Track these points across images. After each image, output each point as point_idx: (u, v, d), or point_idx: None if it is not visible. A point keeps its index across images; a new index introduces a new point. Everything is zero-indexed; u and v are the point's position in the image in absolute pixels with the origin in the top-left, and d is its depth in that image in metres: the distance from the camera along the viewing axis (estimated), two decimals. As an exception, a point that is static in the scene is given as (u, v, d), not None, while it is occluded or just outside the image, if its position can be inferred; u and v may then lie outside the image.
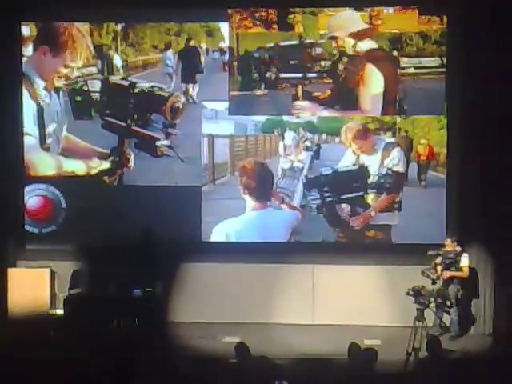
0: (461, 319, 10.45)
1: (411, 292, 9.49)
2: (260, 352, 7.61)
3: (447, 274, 10.23)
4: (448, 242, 10.37)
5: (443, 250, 10.27)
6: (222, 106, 11.32)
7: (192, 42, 11.44)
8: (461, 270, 10.33)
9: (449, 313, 10.47)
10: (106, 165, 11.39)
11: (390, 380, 6.94)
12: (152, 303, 10.26)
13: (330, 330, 10.62)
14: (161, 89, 11.22)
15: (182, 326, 10.67)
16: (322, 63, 11.02)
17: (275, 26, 11.14)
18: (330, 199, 11.05)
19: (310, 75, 11.02)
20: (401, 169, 11.05)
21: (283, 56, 11.08)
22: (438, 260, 10.22)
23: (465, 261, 10.36)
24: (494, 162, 10.41)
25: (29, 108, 11.23)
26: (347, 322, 10.72)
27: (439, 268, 10.17)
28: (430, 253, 10.18)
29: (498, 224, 10.28)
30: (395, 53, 10.98)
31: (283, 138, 11.42)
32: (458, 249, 10.33)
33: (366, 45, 10.86)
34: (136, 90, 11.19)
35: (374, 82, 10.83)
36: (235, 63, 11.22)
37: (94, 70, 11.40)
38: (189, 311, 10.97)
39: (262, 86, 11.16)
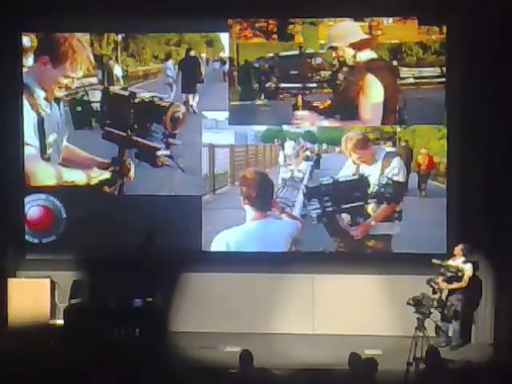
0: (462, 329, 10.44)
1: (412, 302, 9.49)
2: (260, 362, 7.62)
3: (447, 286, 10.25)
4: (458, 249, 10.39)
5: (446, 262, 10.26)
6: (222, 115, 11.34)
7: (192, 52, 11.47)
8: (461, 279, 10.33)
9: (450, 322, 10.46)
10: (106, 175, 11.40)
11: (391, 390, 6.94)
12: (152, 313, 10.25)
13: (331, 340, 10.61)
14: (161, 99, 11.25)
15: (182, 335, 10.66)
16: (322, 73, 11.04)
17: (275, 36, 11.17)
18: (330, 209, 11.05)
19: (310, 85, 11.05)
20: (401, 178, 11.06)
21: (283, 66, 11.11)
22: (442, 270, 10.22)
23: (468, 270, 10.36)
24: (494, 172, 10.42)
25: (29, 118, 11.26)
26: (347, 331, 10.71)
27: (440, 279, 10.18)
28: (434, 261, 10.18)
29: (498, 233, 10.27)
30: (395, 63, 11.00)
31: (283, 148, 11.43)
32: (461, 266, 10.31)
33: (366, 55, 10.89)
34: (136, 100, 11.21)
35: (373, 92, 10.86)
36: (235, 73, 11.25)
37: (94, 80, 11.43)
38: (189, 321, 10.96)
39: (262, 96, 11.19)
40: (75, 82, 11.30)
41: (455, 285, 10.33)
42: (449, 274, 10.22)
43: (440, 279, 10.18)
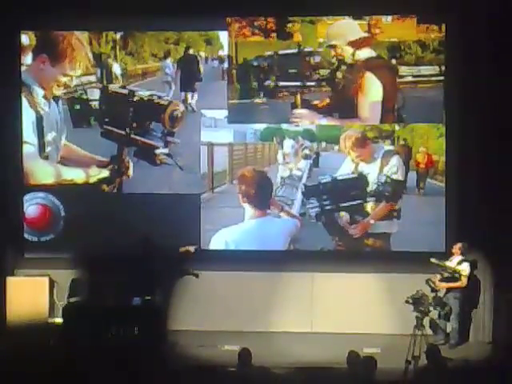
0: (460, 327, 10.45)
1: (410, 300, 9.49)
2: (259, 360, 7.62)
3: (443, 285, 10.27)
4: (456, 248, 10.40)
5: (444, 263, 10.26)
6: (221, 114, 11.34)
7: (191, 51, 11.46)
8: (459, 279, 10.33)
9: (449, 320, 10.47)
10: (105, 173, 11.40)
11: (390, 388, 6.94)
12: (151, 311, 10.24)
13: (329, 339, 10.60)
14: (160, 97, 11.24)
15: (181, 334, 10.65)
16: (321, 71, 11.04)
17: (274, 34, 11.17)
18: (328, 207, 11.05)
19: (309, 83, 11.05)
20: (400, 177, 11.06)
21: (282, 64, 11.10)
22: (439, 270, 10.23)
23: (465, 270, 10.36)
24: (492, 170, 10.42)
25: (28, 117, 11.24)
26: (346, 330, 10.71)
27: (437, 279, 10.19)
28: (433, 260, 10.18)
29: (496, 231, 10.28)
30: (394, 61, 11.00)
31: (282, 146, 11.43)
32: (458, 268, 10.31)
33: (365, 53, 10.88)
34: (135, 99, 11.21)
35: (372, 91, 10.85)
36: (234, 71, 11.25)
37: (93, 78, 11.42)
38: (188, 319, 10.95)
39: (261, 95, 11.19)
40: (74, 81, 11.29)
41: (454, 284, 10.34)
42: (446, 275, 10.23)
43: (437, 279, 10.20)
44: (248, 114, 11.30)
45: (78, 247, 11.20)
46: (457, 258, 10.43)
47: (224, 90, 11.27)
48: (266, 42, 11.19)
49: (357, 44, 10.87)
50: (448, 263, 10.33)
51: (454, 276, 10.28)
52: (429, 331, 10.00)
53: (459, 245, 10.43)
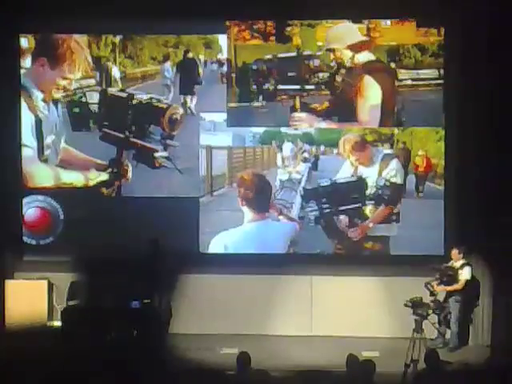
0: (460, 331, 10.44)
1: (409, 303, 9.49)
2: (258, 363, 7.62)
3: (441, 288, 10.26)
4: (454, 252, 10.39)
5: (444, 267, 10.26)
6: (220, 117, 11.35)
7: (190, 54, 11.47)
8: (457, 281, 10.33)
9: (448, 324, 10.46)
10: (104, 176, 11.40)
11: (389, 392, 6.93)
12: (150, 315, 10.24)
13: (328, 342, 10.60)
14: (159, 100, 11.26)
15: (179, 337, 10.65)
16: (320, 75, 11.05)
17: (273, 38, 11.18)
18: (328, 211, 11.06)
19: (308, 87, 11.05)
20: (399, 180, 11.07)
21: (281, 68, 11.11)
22: (438, 275, 10.22)
23: (465, 273, 10.36)
24: (491, 173, 10.43)
25: (27, 120, 11.25)
26: (345, 333, 10.71)
27: (435, 283, 10.19)
28: (433, 266, 10.19)
29: (495, 234, 10.27)
30: (393, 65, 11.01)
31: (281, 150, 11.43)
32: (458, 267, 10.31)
33: (364, 57, 10.90)
34: (134, 102, 11.22)
35: (371, 94, 10.86)
36: (233, 75, 11.25)
37: (92, 81, 11.43)
38: (187, 323, 10.95)
39: (260, 98, 11.19)
40: (73, 84, 11.30)
41: (451, 287, 10.33)
42: (445, 279, 10.22)
43: (435, 283, 10.19)
44: (247, 118, 11.31)
45: (77, 250, 11.19)
46: (457, 262, 10.42)
47: (223, 93, 11.28)
48: (265, 46, 11.20)
49: (356, 47, 10.88)
50: (448, 265, 10.32)
51: (453, 277, 10.26)
52: (428, 335, 9.99)
53: (458, 249, 10.42)
